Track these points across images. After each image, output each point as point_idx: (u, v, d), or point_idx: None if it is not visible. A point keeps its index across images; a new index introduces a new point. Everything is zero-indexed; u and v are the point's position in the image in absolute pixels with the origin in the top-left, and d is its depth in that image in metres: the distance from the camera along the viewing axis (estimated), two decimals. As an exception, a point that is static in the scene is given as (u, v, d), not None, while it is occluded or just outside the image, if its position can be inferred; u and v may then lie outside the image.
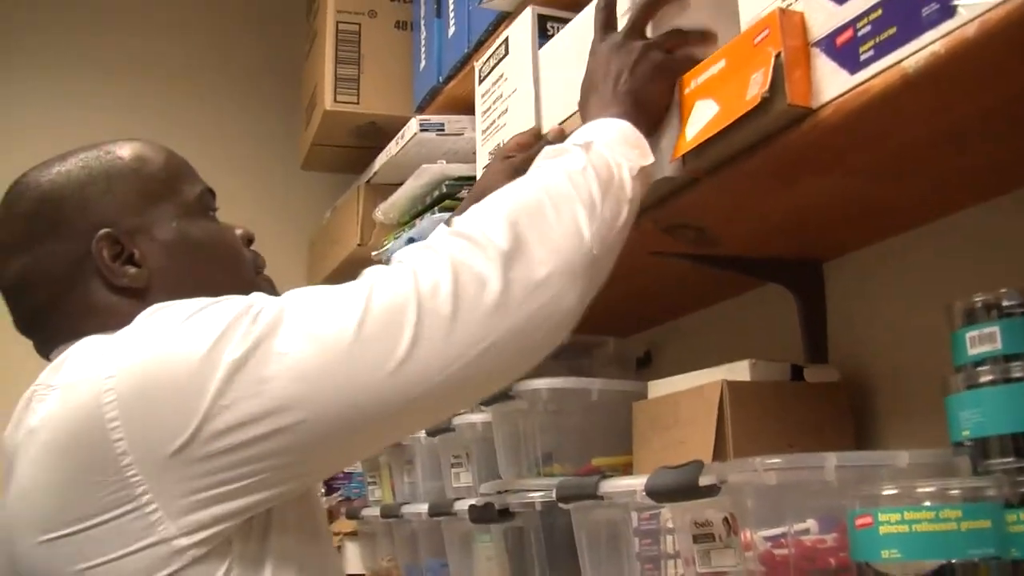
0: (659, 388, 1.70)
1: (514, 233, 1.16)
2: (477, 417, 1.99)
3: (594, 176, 1.24)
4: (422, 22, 2.56)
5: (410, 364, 1.09)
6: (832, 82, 1.17)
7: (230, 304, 1.11)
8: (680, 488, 1.31)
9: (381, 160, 2.61)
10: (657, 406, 1.67)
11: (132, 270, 1.28)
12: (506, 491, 1.80)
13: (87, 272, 1.27)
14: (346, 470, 2.90)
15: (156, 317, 1.13)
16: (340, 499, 2.89)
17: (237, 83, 3.44)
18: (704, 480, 1.27)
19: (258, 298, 1.13)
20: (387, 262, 2.05)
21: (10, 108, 3.24)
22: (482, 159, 2.04)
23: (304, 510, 1.22)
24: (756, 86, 1.23)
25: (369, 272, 1.17)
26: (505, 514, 1.76)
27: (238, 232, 1.42)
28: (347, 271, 2.83)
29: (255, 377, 1.07)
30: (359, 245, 2.70)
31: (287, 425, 1.07)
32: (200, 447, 1.07)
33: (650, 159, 1.32)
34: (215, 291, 1.21)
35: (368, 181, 2.73)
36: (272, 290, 1.37)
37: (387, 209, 2.39)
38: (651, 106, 1.38)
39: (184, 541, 1.08)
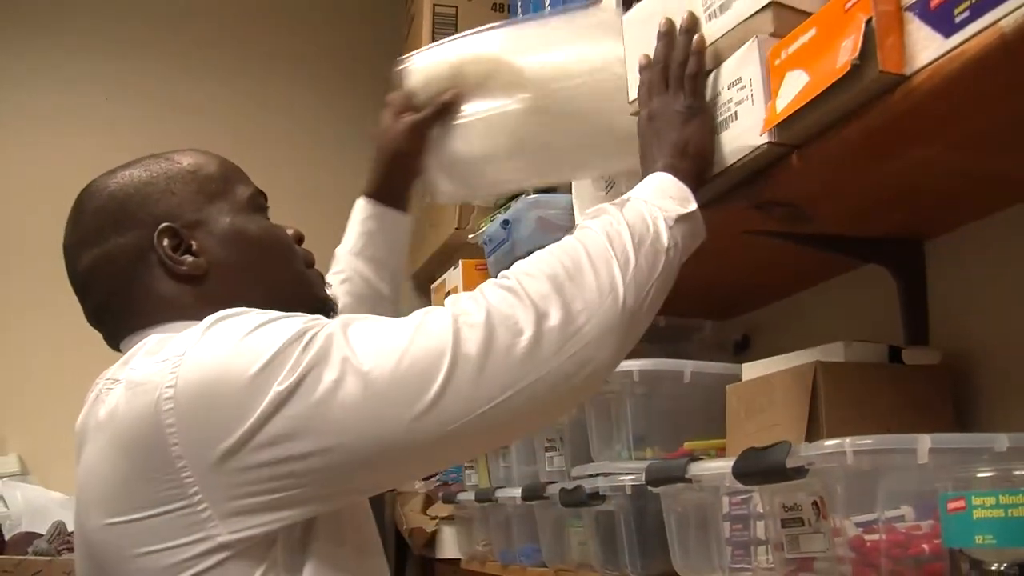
0: (753, 370, 1.66)
1: (552, 287, 1.22)
2: (571, 400, 1.96)
3: (627, 231, 1.30)
4: (519, 4, 2.53)
5: (437, 408, 1.15)
6: (926, 47, 1.12)
7: (286, 326, 1.19)
8: (766, 470, 1.27)
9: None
10: (751, 388, 1.63)
11: (191, 259, 1.36)
12: (597, 475, 1.77)
13: (150, 263, 1.36)
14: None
15: (218, 328, 1.20)
16: (437, 484, 2.88)
17: (336, 69, 3.45)
18: (791, 462, 1.23)
19: (312, 324, 1.19)
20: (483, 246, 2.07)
21: (87, 93, 3.27)
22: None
23: (350, 522, 1.29)
24: (846, 53, 1.19)
25: (417, 313, 1.22)
26: (596, 497, 1.73)
27: (289, 231, 1.50)
28: (446, 255, 2.84)
29: (299, 404, 1.14)
30: (457, 229, 2.69)
31: (320, 449, 1.14)
32: (243, 458, 1.14)
33: (691, 206, 1.37)
34: (269, 281, 1.40)
35: (467, 164, 2.70)
36: (321, 281, 1.50)
37: (483, 190, 2.37)
38: (694, 153, 1.43)
39: (229, 538, 1.16)
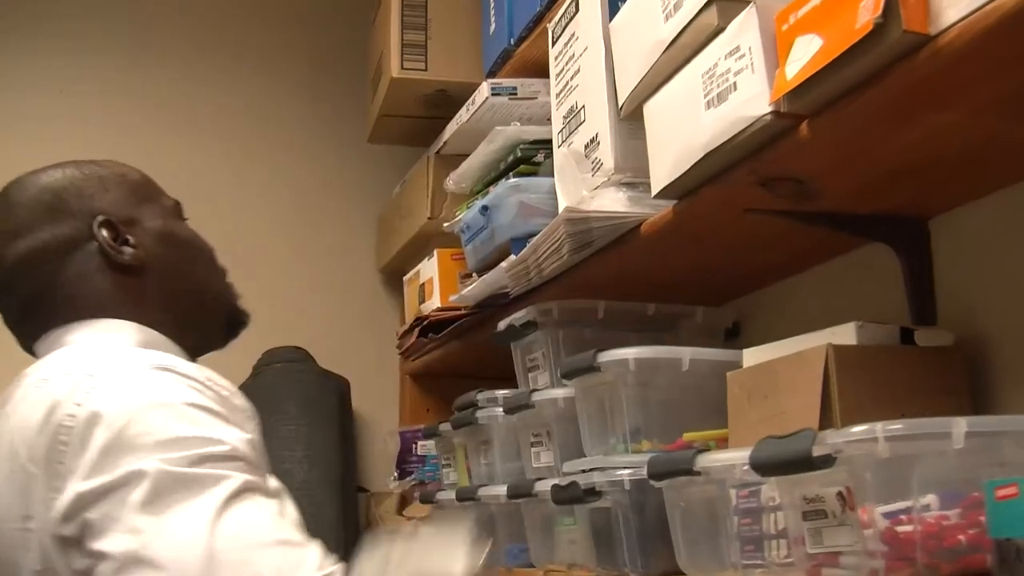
0: (755, 356, 1.58)
1: None
2: (558, 392, 1.88)
3: None
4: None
5: None
6: (953, 3, 1.06)
7: (207, 435, 1.21)
8: (790, 460, 1.18)
9: (451, 129, 2.50)
10: (753, 375, 1.55)
11: (130, 250, 1.41)
12: (591, 469, 1.68)
13: (87, 254, 1.39)
14: (419, 452, 2.81)
15: (143, 379, 1.24)
16: (413, 483, 2.79)
17: (299, 56, 3.33)
18: (818, 450, 1.14)
19: (228, 464, 1.22)
20: (459, 234, 1.98)
21: (70, 83, 3.15)
22: (557, 123, 1.94)
23: None
24: (867, 13, 1.13)
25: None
26: (591, 493, 1.64)
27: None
28: (418, 245, 2.75)
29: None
30: (429, 218, 2.60)
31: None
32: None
33: None
34: (198, 283, 1.50)
35: (438, 151, 2.62)
36: (237, 294, 1.60)
37: (459, 178, 2.28)
38: None
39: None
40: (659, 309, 1.99)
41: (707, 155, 1.43)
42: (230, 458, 1.20)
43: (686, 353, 1.67)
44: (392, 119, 2.84)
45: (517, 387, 2.12)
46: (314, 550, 1.19)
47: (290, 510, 1.26)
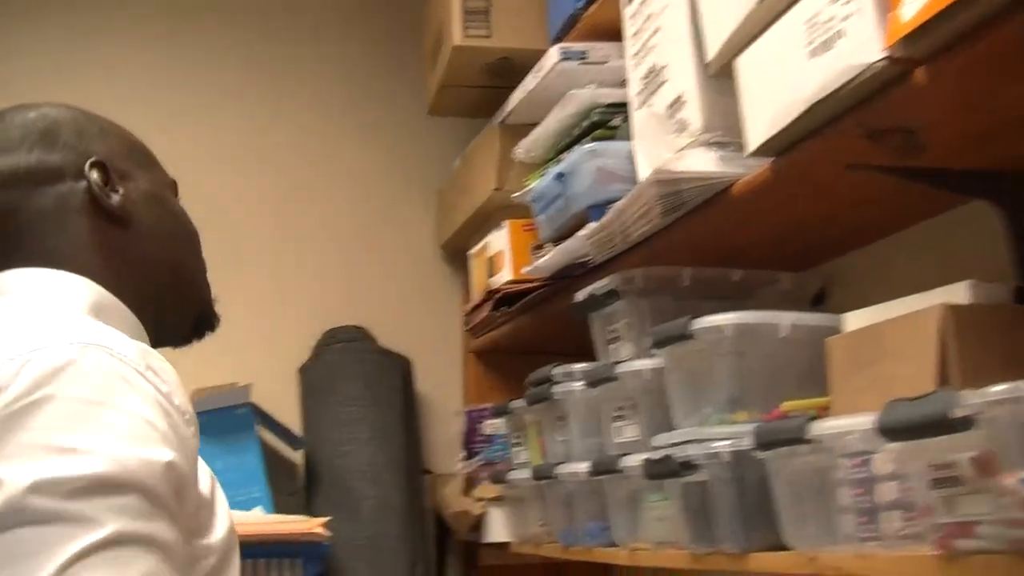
0: (856, 320, 1.52)
1: None
2: (644, 363, 1.81)
3: None
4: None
5: None
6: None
7: (144, 452, 1.01)
8: (926, 423, 1.11)
9: (517, 96, 2.43)
10: (857, 340, 1.48)
11: (118, 197, 1.30)
12: (685, 442, 1.61)
13: (71, 191, 1.28)
14: (486, 432, 2.74)
15: (83, 364, 1.04)
16: (481, 463, 2.72)
17: (355, 30, 3.27)
18: (958, 412, 1.07)
19: (150, 490, 1.00)
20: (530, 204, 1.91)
21: (119, 49, 3.10)
22: (635, 85, 1.86)
23: None
24: (996, -55, 1.04)
25: None
26: (687, 467, 1.57)
27: None
28: (482, 219, 2.68)
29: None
30: (496, 190, 2.52)
31: None
32: None
33: None
34: (179, 259, 1.36)
35: (503, 121, 2.55)
36: (210, 291, 1.43)
37: (530, 145, 2.21)
38: None
39: None
40: (745, 275, 1.91)
41: (811, 108, 1.35)
42: (132, 488, 0.98)
43: (784, 319, 1.60)
44: (453, 89, 2.77)
45: (585, 362, 2.07)
46: None
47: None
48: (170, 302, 1.36)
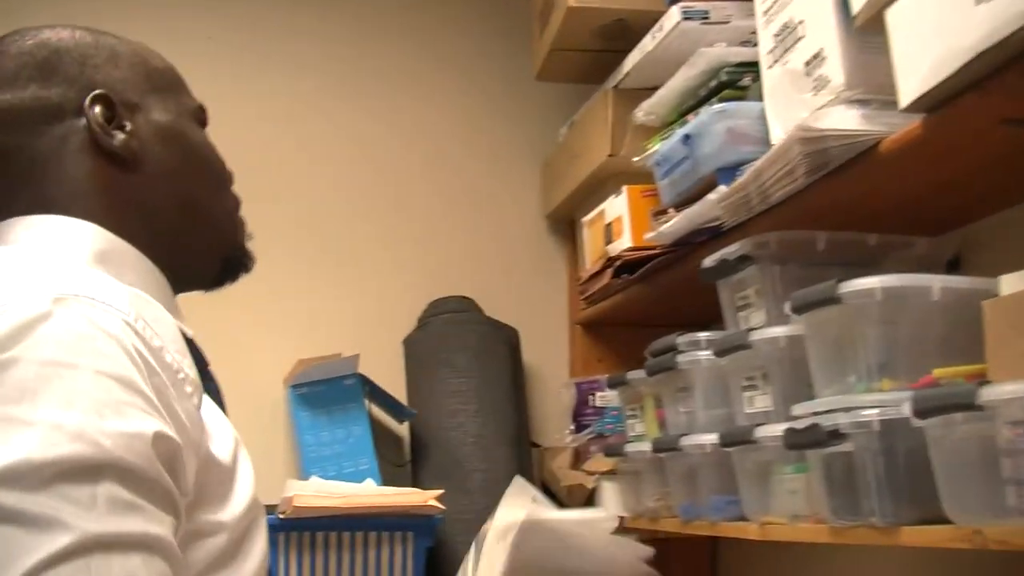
0: (1014, 283, 1.43)
1: None
2: (780, 330, 1.74)
3: None
4: None
5: None
6: None
7: (126, 435, 0.88)
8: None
9: (634, 59, 2.36)
10: (1020, 302, 1.40)
11: (123, 136, 1.18)
12: (829, 411, 1.55)
13: (70, 130, 1.17)
14: (596, 404, 2.69)
15: (61, 322, 0.91)
16: (591, 436, 2.67)
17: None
18: None
19: (138, 472, 0.88)
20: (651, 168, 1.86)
21: (220, 31, 3.06)
22: (766, 42, 1.80)
23: None
24: None
25: None
26: (835, 436, 1.50)
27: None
28: (592, 187, 2.63)
29: None
30: (610, 156, 2.46)
31: None
32: None
33: None
34: (196, 199, 1.24)
35: (616, 85, 2.48)
36: (246, 233, 1.33)
37: (651, 107, 2.14)
38: None
39: None
40: (880, 239, 1.84)
41: (977, 56, 1.28)
42: (111, 472, 0.86)
43: (936, 281, 1.52)
44: (563, 53, 2.69)
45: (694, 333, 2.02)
46: None
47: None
48: (191, 245, 1.26)
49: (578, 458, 2.74)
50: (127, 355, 0.93)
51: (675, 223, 2.01)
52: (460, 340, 2.78)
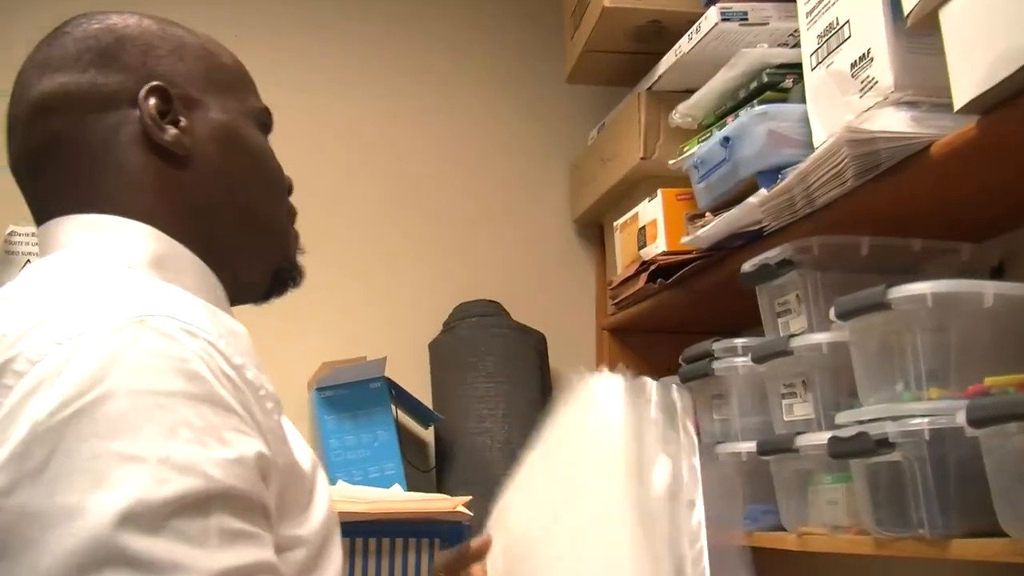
0: (1072, 288, 1.40)
1: None
2: (822, 337, 1.71)
3: None
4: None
5: None
6: None
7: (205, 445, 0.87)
8: None
9: (668, 61, 2.33)
10: (1075, 311, 1.37)
11: (175, 131, 1.14)
12: (875, 419, 1.51)
13: (124, 120, 1.13)
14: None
15: (141, 349, 0.89)
16: None
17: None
18: None
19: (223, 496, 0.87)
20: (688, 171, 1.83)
21: (248, 29, 3.03)
22: (809, 44, 1.76)
23: None
24: None
25: None
26: (884, 445, 1.47)
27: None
28: (623, 191, 2.60)
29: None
30: (643, 159, 2.43)
31: None
32: None
33: None
34: (249, 205, 1.19)
35: (650, 88, 2.45)
36: (297, 244, 1.29)
37: (688, 109, 2.11)
38: None
39: None
40: (926, 245, 1.80)
41: (1039, 57, 1.24)
42: (221, 502, 0.85)
43: (988, 288, 1.48)
44: (596, 55, 2.65)
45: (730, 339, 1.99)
46: None
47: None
48: (242, 253, 1.22)
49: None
50: (215, 376, 0.91)
51: (713, 227, 1.98)
52: (487, 345, 2.74)
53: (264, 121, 1.27)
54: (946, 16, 1.43)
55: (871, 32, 1.60)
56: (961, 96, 1.39)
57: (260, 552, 0.88)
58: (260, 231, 1.23)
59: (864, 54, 1.62)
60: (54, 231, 1.12)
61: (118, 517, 0.80)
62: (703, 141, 2.04)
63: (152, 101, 1.13)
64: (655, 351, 2.62)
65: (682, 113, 2.13)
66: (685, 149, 2.12)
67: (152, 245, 1.10)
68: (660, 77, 2.38)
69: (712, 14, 2.11)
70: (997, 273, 1.88)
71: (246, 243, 1.21)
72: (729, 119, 1.98)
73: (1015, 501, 1.32)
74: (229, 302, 1.20)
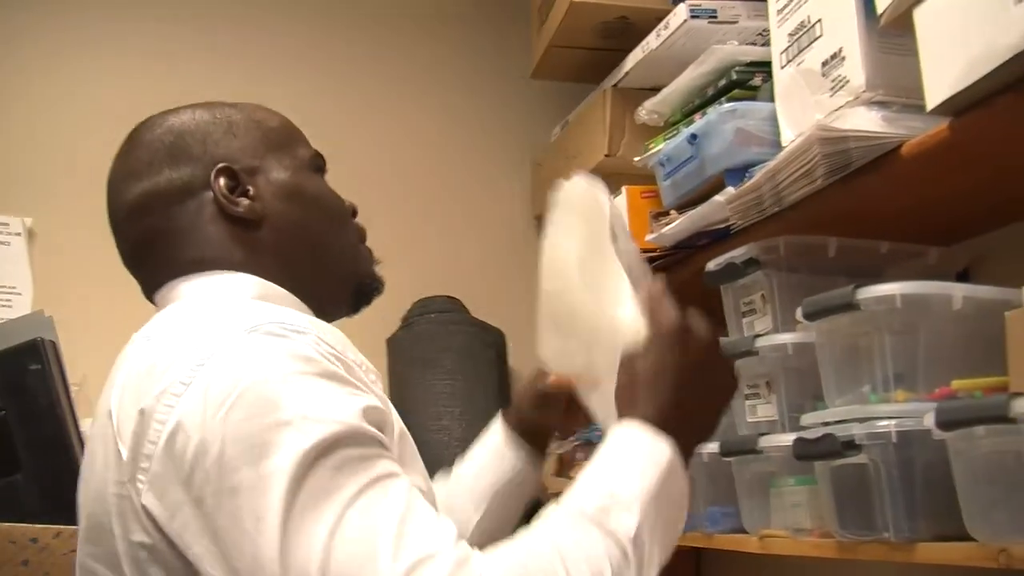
0: (1043, 292, 1.39)
1: None
2: (787, 337, 1.70)
3: None
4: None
5: None
6: None
7: (300, 387, 1.08)
8: None
9: (635, 58, 2.31)
10: (1045, 314, 1.35)
11: (247, 201, 1.33)
12: (840, 421, 1.50)
13: (202, 202, 1.32)
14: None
15: (254, 349, 1.10)
16: (577, 443, 2.61)
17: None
18: None
19: (366, 451, 1.08)
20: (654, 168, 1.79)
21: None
22: (780, 42, 1.75)
23: None
24: None
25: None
26: (850, 447, 1.45)
27: (346, 203, 1.47)
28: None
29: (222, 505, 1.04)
30: (607, 156, 2.41)
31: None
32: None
33: (681, 524, 1.20)
34: (321, 243, 1.38)
35: (616, 84, 2.43)
36: (371, 257, 1.47)
37: (655, 106, 2.09)
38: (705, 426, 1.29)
39: None
40: (892, 248, 1.79)
41: (1014, 57, 1.23)
42: (353, 439, 1.05)
43: (957, 290, 1.47)
44: (561, 51, 2.64)
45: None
46: (445, 537, 1.04)
47: (415, 486, 1.09)
48: (323, 283, 1.39)
49: (563, 465, 2.68)
50: (324, 358, 1.10)
51: (678, 225, 1.96)
52: (445, 341, 2.71)
53: (318, 165, 1.45)
54: (920, 16, 1.41)
55: (843, 31, 1.59)
56: (934, 97, 1.38)
57: (388, 466, 1.06)
58: (334, 261, 1.40)
59: (836, 53, 1.60)
60: (167, 293, 1.31)
61: (290, 476, 1.00)
62: (670, 138, 2.03)
63: (221, 181, 1.32)
64: (615, 351, 2.60)
65: (649, 110, 2.12)
66: (651, 146, 2.10)
67: (255, 286, 1.29)
68: (627, 74, 2.37)
69: (681, 11, 2.09)
70: (963, 278, 1.88)
71: (324, 273, 1.39)
72: (697, 116, 1.97)
73: (981, 505, 1.31)
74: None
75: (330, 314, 1.39)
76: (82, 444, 2.18)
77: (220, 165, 1.32)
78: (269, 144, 1.39)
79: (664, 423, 1.19)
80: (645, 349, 1.24)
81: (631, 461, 1.16)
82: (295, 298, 1.32)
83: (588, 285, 1.38)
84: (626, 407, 1.22)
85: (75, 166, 2.75)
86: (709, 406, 1.27)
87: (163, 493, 1.05)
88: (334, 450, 1.03)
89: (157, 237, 1.32)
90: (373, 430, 1.08)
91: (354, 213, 1.48)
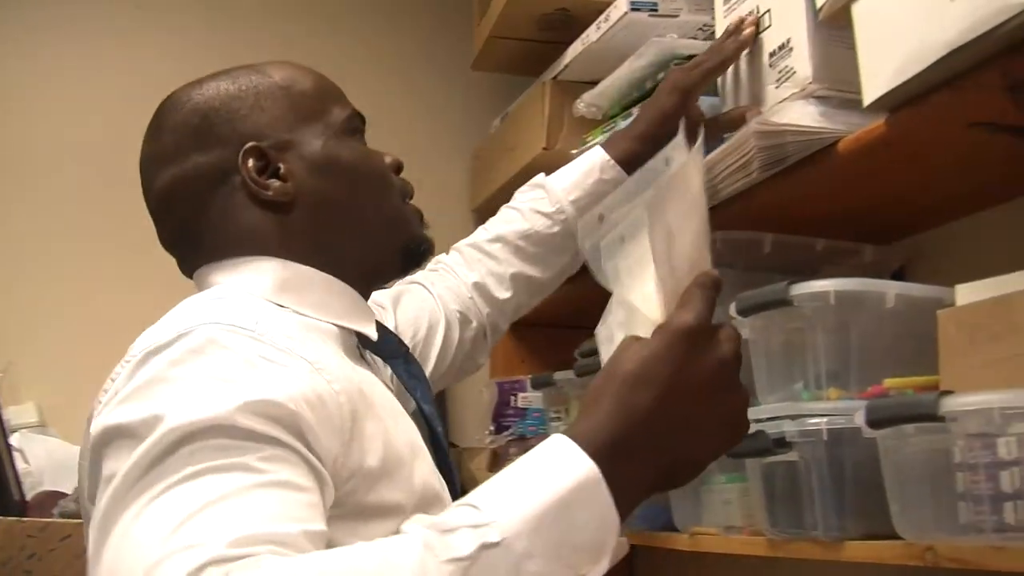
0: (974, 292, 1.39)
1: None
2: (720, 333, 1.68)
3: None
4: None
5: None
6: None
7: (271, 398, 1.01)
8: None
9: (575, 50, 2.29)
10: (977, 313, 1.35)
11: (277, 184, 1.28)
12: (772, 418, 1.49)
13: (232, 187, 1.28)
14: (519, 404, 2.61)
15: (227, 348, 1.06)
16: (511, 438, 2.58)
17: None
18: None
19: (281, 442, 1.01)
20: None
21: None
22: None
23: None
24: None
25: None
26: (781, 445, 1.45)
27: (387, 160, 1.41)
28: (524, 180, 2.54)
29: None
30: (545, 149, 2.39)
31: None
32: None
33: (587, 561, 0.96)
34: (361, 215, 1.32)
35: (555, 77, 2.41)
36: (419, 218, 1.43)
37: (593, 99, 2.07)
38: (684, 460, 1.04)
39: None
40: (827, 245, 1.79)
41: (950, 54, 1.22)
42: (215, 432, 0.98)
43: (891, 288, 1.47)
44: (502, 42, 2.62)
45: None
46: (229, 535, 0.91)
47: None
48: (366, 252, 1.34)
49: (497, 460, 2.65)
50: (238, 357, 1.04)
51: (614, 219, 1.94)
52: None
53: (355, 126, 1.38)
54: (858, 11, 1.41)
55: (791, 21, 1.58)
56: (870, 92, 1.37)
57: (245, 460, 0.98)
58: (375, 230, 1.35)
59: (784, 43, 1.59)
60: (199, 279, 1.30)
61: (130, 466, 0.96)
62: (607, 132, 2.01)
63: (250, 163, 1.27)
64: (551, 346, 2.59)
65: (587, 103, 2.09)
66: (588, 139, 2.08)
67: (279, 274, 1.25)
68: (566, 67, 2.34)
69: (621, 3, 2.07)
70: (898, 276, 1.88)
71: (365, 245, 1.34)
72: (634, 110, 1.95)
73: (910, 504, 1.31)
74: (366, 295, 1.35)
75: (384, 278, 1.42)
76: (4, 431, 2.14)
77: (248, 146, 1.28)
78: (299, 113, 1.33)
79: (614, 442, 0.96)
80: (643, 343, 1.01)
81: (528, 476, 0.96)
82: (327, 278, 1.28)
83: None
84: (582, 411, 1.01)
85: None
86: (698, 442, 1.02)
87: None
88: (187, 442, 0.96)
89: (189, 224, 1.30)
90: (250, 423, 0.97)
91: (398, 169, 1.43)
